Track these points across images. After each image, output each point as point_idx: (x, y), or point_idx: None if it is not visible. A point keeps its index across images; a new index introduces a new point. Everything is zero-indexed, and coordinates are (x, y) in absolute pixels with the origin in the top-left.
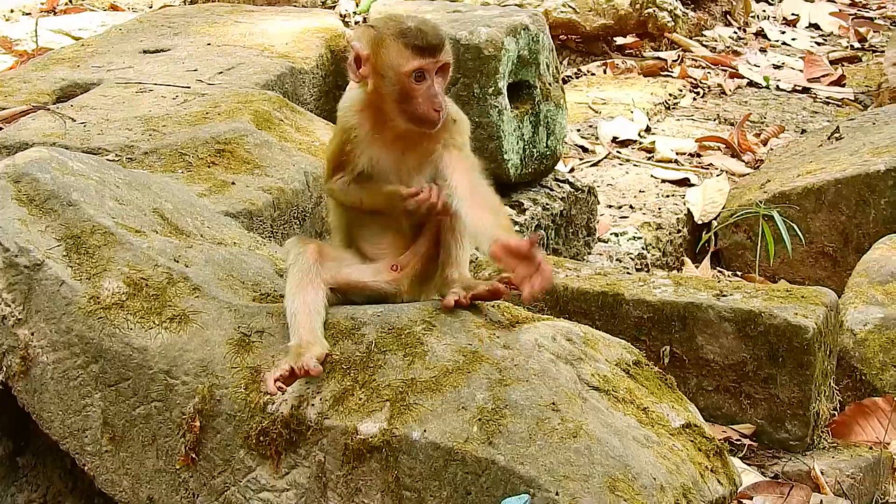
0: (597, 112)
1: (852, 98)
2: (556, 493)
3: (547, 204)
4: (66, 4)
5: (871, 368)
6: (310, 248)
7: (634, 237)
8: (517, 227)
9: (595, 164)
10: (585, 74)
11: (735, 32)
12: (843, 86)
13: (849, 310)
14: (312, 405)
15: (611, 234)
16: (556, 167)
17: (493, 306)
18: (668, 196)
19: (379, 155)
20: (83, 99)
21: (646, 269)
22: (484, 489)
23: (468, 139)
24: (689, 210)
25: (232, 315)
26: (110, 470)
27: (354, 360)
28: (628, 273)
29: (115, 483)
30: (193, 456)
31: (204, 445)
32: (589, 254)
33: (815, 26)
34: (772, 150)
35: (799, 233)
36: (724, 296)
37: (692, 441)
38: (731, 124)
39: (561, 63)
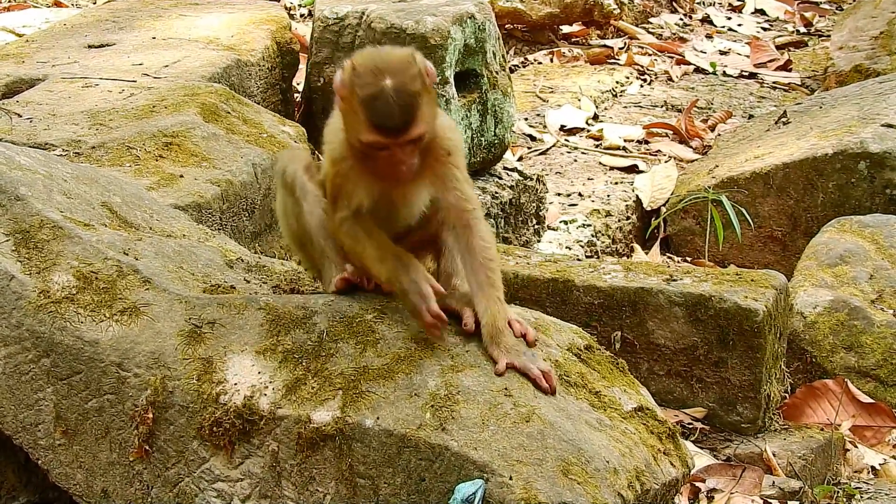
0: (544, 101)
1: (799, 83)
2: (510, 478)
3: (496, 192)
4: (10, 2)
5: (821, 351)
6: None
7: (584, 225)
8: None
9: (543, 153)
10: (532, 63)
11: (681, 19)
12: (790, 71)
13: (798, 293)
14: (265, 395)
15: (560, 221)
16: (504, 156)
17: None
18: (616, 183)
19: (371, 187)
20: (28, 95)
21: (596, 257)
22: (438, 475)
23: (462, 158)
24: (637, 197)
25: (183, 307)
26: (64, 463)
27: (306, 349)
28: (578, 260)
29: (69, 476)
30: (147, 448)
31: (157, 437)
32: (539, 242)
33: (761, 12)
34: (719, 135)
35: (748, 217)
36: (674, 280)
37: (644, 424)
38: (679, 111)
39: (507, 52)
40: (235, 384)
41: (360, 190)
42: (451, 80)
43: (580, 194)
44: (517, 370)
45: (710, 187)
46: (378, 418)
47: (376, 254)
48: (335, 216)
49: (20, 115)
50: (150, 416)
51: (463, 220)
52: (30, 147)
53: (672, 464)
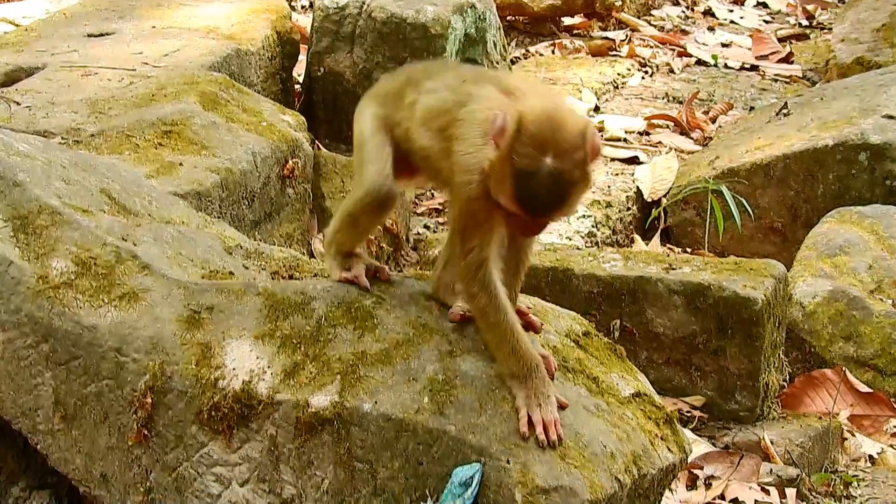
0: None
1: (800, 75)
2: (507, 462)
3: None
4: None
5: (820, 340)
6: None
7: (584, 215)
8: None
9: None
10: (534, 55)
11: (683, 11)
12: (792, 63)
13: (798, 283)
14: (263, 380)
15: None
16: None
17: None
18: (617, 174)
19: (499, 227)
20: (28, 83)
21: (596, 247)
22: (435, 459)
23: None
24: (638, 188)
25: (181, 292)
26: (63, 448)
27: (304, 335)
28: (578, 249)
29: (68, 461)
30: (146, 433)
31: (156, 422)
32: None
33: (763, 4)
34: (720, 127)
35: (748, 208)
36: (673, 269)
37: (642, 410)
38: (680, 102)
39: (509, 44)
40: (234, 369)
41: (492, 228)
42: None
43: None
44: None
45: (710, 178)
46: (376, 403)
47: (505, 341)
48: (465, 249)
49: (19, 104)
50: (149, 400)
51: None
52: (29, 134)
53: (669, 449)
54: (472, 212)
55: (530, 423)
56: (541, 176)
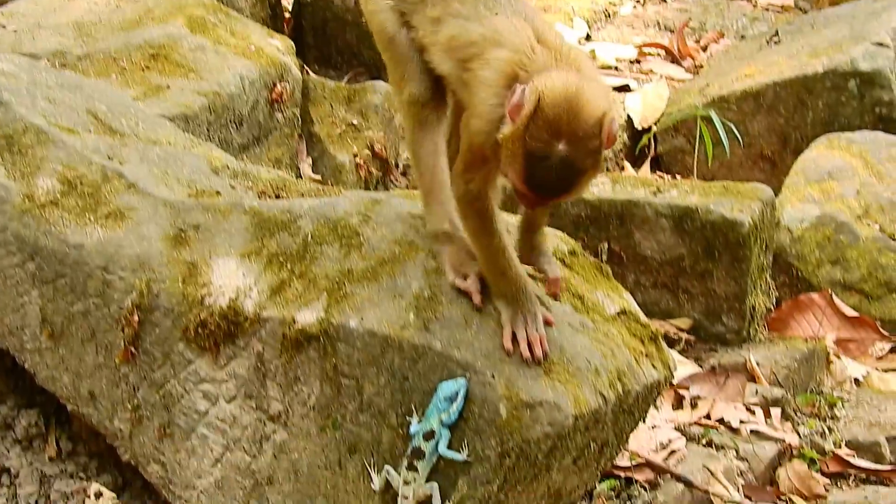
0: None
1: (792, 4)
2: (492, 377)
3: None
4: None
5: (807, 265)
6: None
7: None
8: None
9: None
10: None
11: None
12: None
13: (786, 208)
14: (250, 297)
15: None
16: None
17: None
18: None
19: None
20: (14, 6)
21: None
22: (421, 374)
23: None
24: (629, 116)
25: (167, 211)
26: (50, 367)
27: (291, 252)
28: None
29: (55, 380)
30: (133, 350)
31: (143, 340)
32: None
33: None
34: (711, 55)
35: (737, 135)
36: (661, 193)
37: (627, 327)
38: (671, 31)
39: None
40: (220, 287)
41: (496, 171)
42: None
43: None
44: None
45: (700, 106)
46: (362, 319)
47: (494, 261)
48: (465, 178)
49: (4, 27)
50: (136, 318)
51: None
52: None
53: (654, 366)
54: (481, 154)
55: (515, 339)
56: (551, 161)
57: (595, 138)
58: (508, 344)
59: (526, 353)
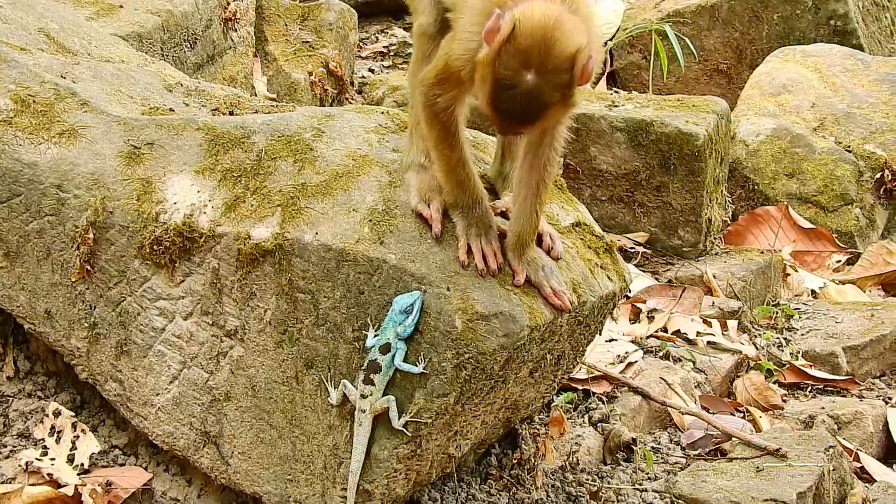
0: None
1: None
2: (447, 289)
3: None
4: None
5: (763, 178)
6: None
7: None
8: None
9: None
10: None
11: None
12: None
13: (741, 122)
14: (204, 213)
15: None
16: None
17: (381, 113)
18: None
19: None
20: None
21: None
22: (376, 288)
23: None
24: None
25: (121, 128)
26: (7, 286)
27: (245, 168)
28: None
29: (12, 299)
30: (88, 268)
31: (98, 258)
32: None
33: None
34: None
35: (692, 48)
36: (616, 107)
37: (582, 239)
38: None
39: None
40: (175, 203)
41: (464, 97)
42: None
43: None
44: (531, 284)
45: (656, 20)
46: (317, 233)
47: (452, 171)
48: (433, 91)
49: None
50: (91, 236)
51: (539, 168)
52: None
53: (609, 278)
54: (456, 77)
55: (470, 251)
56: (517, 91)
57: (565, 73)
58: (464, 256)
59: (481, 265)
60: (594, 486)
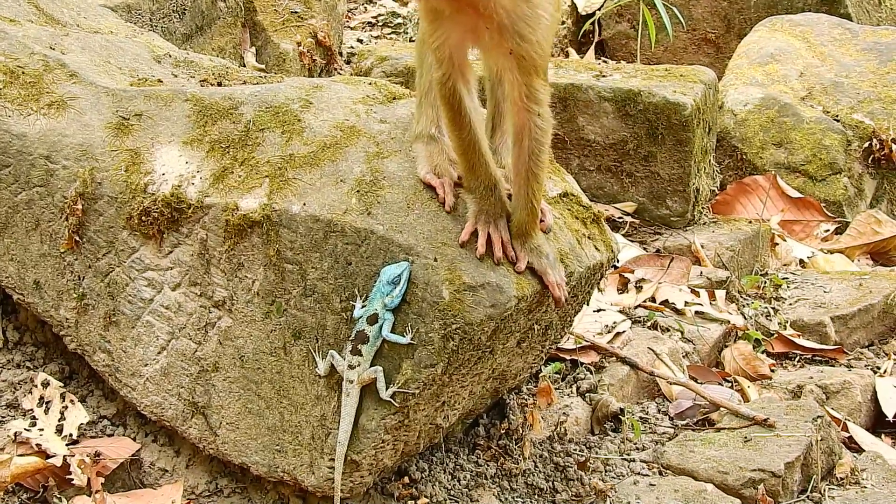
0: None
1: None
2: (435, 259)
3: None
4: None
5: (751, 147)
6: None
7: None
8: None
9: None
10: None
11: None
12: None
13: (729, 91)
14: (192, 184)
15: None
16: None
17: (369, 83)
18: None
19: (453, 37)
20: None
21: None
22: (364, 258)
23: (542, 47)
24: (573, 1)
25: (110, 99)
26: None
27: (233, 139)
28: None
29: (1, 269)
30: (77, 239)
31: (87, 228)
32: None
33: None
34: None
35: (681, 18)
36: (604, 76)
37: (569, 209)
38: None
39: None
40: (163, 174)
41: (447, 37)
42: None
43: None
44: (534, 272)
45: None
46: (304, 204)
47: (464, 153)
48: (433, 68)
49: None
50: (80, 207)
51: (521, 118)
52: None
53: (596, 248)
54: (435, 8)
55: (474, 235)
56: None
57: None
58: (465, 237)
59: (481, 250)
60: (582, 456)
